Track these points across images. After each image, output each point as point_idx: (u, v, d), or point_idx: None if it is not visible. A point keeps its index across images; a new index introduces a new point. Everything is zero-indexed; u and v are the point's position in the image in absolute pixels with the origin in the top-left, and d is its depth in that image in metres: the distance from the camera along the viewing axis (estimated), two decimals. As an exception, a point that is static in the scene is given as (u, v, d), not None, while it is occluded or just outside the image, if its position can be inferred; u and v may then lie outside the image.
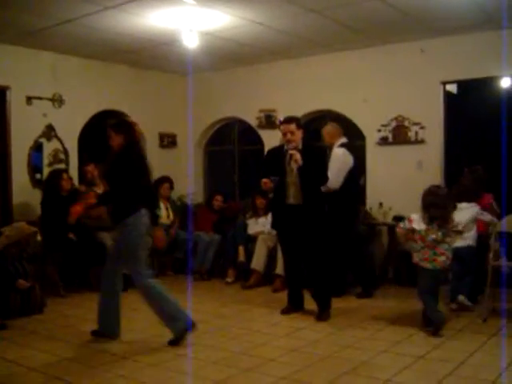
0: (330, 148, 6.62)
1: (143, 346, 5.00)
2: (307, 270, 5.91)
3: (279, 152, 5.88)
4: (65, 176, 7.33)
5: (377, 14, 6.28)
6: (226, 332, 5.40)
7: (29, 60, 7.65)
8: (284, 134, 5.77)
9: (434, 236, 5.21)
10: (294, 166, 5.64)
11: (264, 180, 5.62)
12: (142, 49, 7.82)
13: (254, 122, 9.04)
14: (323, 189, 6.01)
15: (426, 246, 5.24)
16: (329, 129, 6.84)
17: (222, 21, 6.54)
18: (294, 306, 6.03)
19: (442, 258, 5.23)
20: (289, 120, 5.83)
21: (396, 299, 6.72)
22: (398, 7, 6.04)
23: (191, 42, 6.91)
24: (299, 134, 5.76)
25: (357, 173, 6.76)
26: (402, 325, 5.53)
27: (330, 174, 6.05)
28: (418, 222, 5.29)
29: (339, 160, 6.43)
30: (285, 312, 5.98)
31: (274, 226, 6.16)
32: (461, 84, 7.63)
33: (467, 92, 7.71)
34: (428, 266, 5.23)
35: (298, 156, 5.56)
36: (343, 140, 6.68)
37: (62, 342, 5.06)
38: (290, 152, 5.62)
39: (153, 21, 6.50)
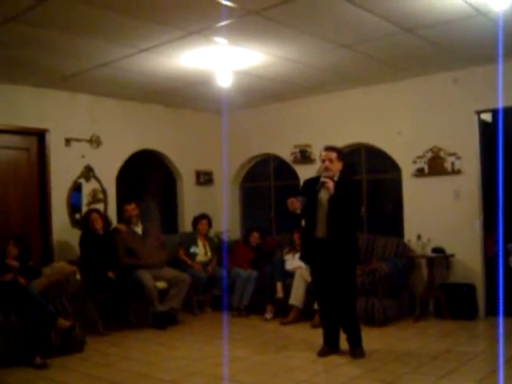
0: None
1: None
2: (336, 305, 5.68)
3: (315, 182, 5.68)
4: (93, 216, 7.41)
5: (408, 46, 6.29)
6: (265, 369, 5.35)
7: (66, 103, 7.85)
8: (323, 161, 5.58)
9: None
10: (325, 194, 5.47)
11: (291, 199, 5.42)
12: (176, 89, 7.96)
13: (289, 158, 9.07)
14: None
15: None
16: None
17: (255, 59, 6.63)
18: (330, 347, 5.74)
19: None
20: (331, 148, 5.65)
21: (437, 333, 6.62)
22: (429, 39, 6.05)
23: (225, 81, 7.02)
24: (338, 165, 5.58)
25: None
26: (444, 359, 5.42)
27: None
28: None
29: None
30: (322, 354, 5.67)
31: (302, 257, 5.99)
32: (496, 113, 7.56)
33: (503, 120, 7.61)
34: None
35: (330, 184, 5.35)
36: None
37: (103, 381, 5.07)
38: (323, 179, 5.42)
39: (186, 62, 6.62)
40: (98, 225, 7.39)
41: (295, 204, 5.42)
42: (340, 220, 5.50)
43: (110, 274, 7.06)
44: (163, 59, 6.50)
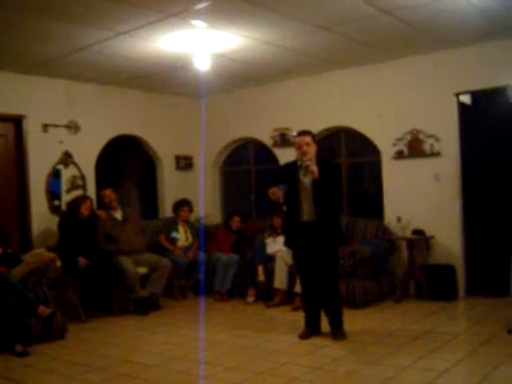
0: None
1: (163, 369, 4.96)
2: (320, 287, 5.71)
3: (292, 167, 5.72)
4: (88, 202, 7.39)
5: (387, 28, 6.28)
6: (248, 352, 5.36)
7: (43, 88, 7.75)
8: (299, 147, 5.59)
9: None
10: (308, 178, 5.48)
11: (272, 190, 5.46)
12: (154, 73, 7.89)
13: (268, 142, 9.05)
14: None
15: None
16: None
17: (233, 42, 6.58)
18: (312, 329, 5.77)
19: None
20: (305, 132, 5.70)
21: (417, 313, 6.67)
22: (408, 21, 6.04)
23: (203, 64, 6.96)
24: (314, 148, 5.62)
25: None
26: (424, 339, 5.47)
27: None
28: None
29: None
30: (303, 336, 5.69)
31: (287, 243, 6.01)
32: (475, 94, 7.58)
33: (482, 102, 7.63)
34: None
35: (314, 167, 5.38)
36: None
37: (85, 367, 5.04)
38: (306, 163, 5.42)
39: (164, 45, 6.56)
40: (87, 212, 7.33)
41: (277, 193, 5.47)
42: (326, 202, 5.56)
43: (82, 260, 6.99)
44: (141, 43, 6.43)
